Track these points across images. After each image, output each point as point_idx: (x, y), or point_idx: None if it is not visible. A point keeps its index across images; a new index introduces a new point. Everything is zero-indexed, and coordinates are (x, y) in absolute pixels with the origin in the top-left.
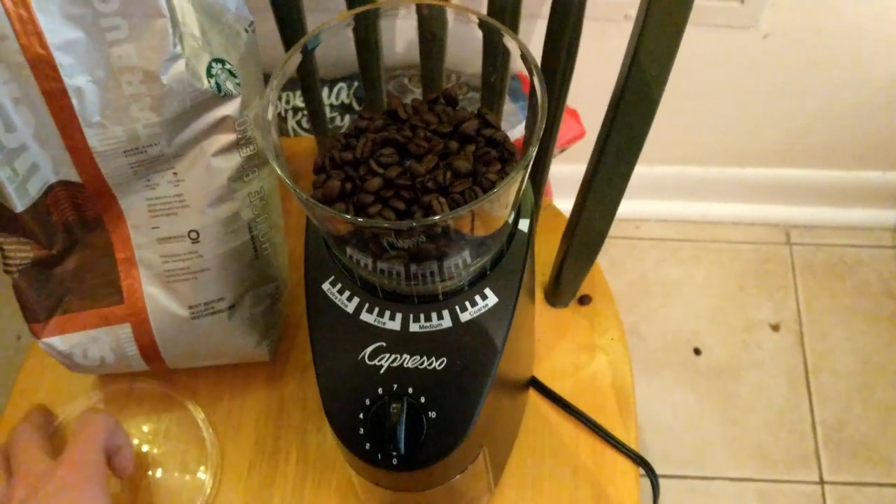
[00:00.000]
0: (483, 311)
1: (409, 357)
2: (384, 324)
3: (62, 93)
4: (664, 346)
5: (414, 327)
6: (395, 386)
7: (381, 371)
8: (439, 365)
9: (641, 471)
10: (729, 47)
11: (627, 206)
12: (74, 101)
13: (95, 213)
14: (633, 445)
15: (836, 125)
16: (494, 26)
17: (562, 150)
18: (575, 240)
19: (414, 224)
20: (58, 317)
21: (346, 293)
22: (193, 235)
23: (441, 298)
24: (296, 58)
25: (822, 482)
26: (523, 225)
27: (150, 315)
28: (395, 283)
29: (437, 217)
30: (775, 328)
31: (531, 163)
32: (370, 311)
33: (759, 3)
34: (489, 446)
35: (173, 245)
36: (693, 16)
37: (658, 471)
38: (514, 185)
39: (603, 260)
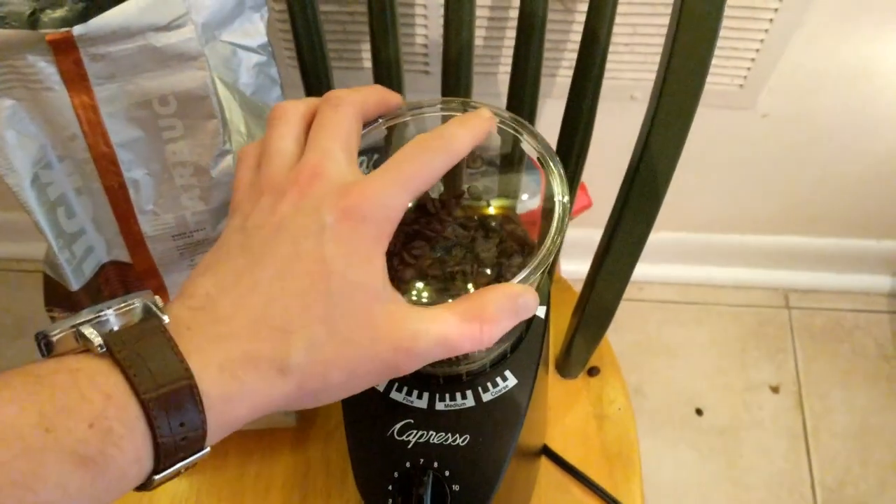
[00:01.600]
0: (503, 391)
1: (434, 433)
2: (412, 402)
3: (121, 185)
4: (667, 406)
5: (439, 406)
6: (422, 460)
7: (409, 446)
8: (462, 441)
9: None
10: (729, 125)
11: None
12: (131, 192)
13: (142, 289)
14: None
15: (832, 196)
16: (515, 127)
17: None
18: (585, 315)
19: None
20: None
21: None
22: None
23: (464, 379)
24: None
25: None
26: (540, 311)
27: None
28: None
29: None
30: (775, 390)
31: (549, 265)
32: (399, 389)
33: (757, 88)
34: (513, 495)
35: None
36: None
37: None
38: (533, 283)
39: None
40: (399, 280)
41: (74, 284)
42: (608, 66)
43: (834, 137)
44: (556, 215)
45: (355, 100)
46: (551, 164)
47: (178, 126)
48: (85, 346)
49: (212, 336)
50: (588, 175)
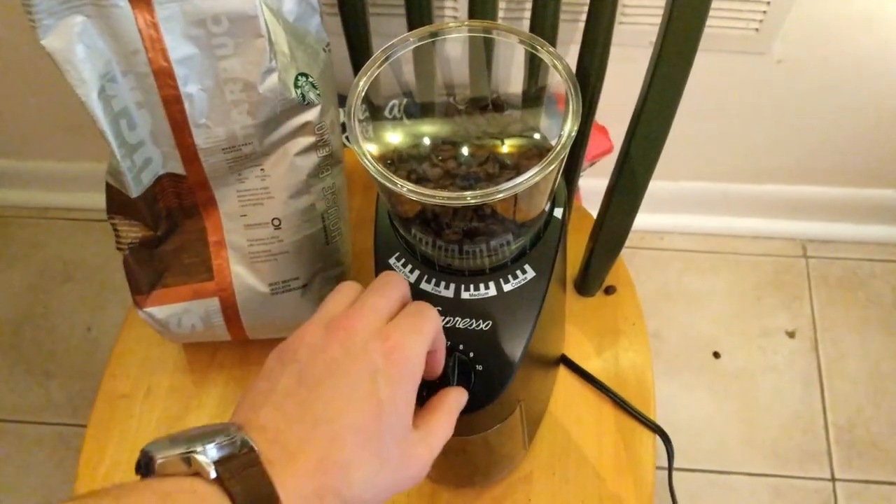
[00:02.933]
0: (523, 283)
1: (460, 320)
2: (440, 292)
3: (177, 99)
4: (685, 350)
5: (465, 295)
6: (449, 343)
7: None
8: (486, 327)
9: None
10: (746, 72)
11: (652, 219)
12: (186, 106)
13: (193, 202)
14: (651, 416)
15: (848, 145)
16: (532, 43)
17: (591, 164)
18: (601, 235)
19: (465, 201)
20: (158, 290)
21: (409, 266)
22: (276, 223)
23: (488, 272)
24: (379, 65)
25: (833, 479)
26: (557, 213)
27: (235, 291)
28: (451, 258)
29: (480, 193)
30: (791, 335)
31: (566, 154)
32: (429, 281)
33: (772, 32)
34: (525, 403)
35: (258, 231)
36: (713, 43)
37: (679, 464)
38: (550, 173)
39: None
40: (427, 180)
41: (134, 192)
42: (627, 11)
43: (850, 83)
44: (570, 109)
45: (433, 326)
46: (564, 72)
47: (229, 44)
48: (194, 471)
49: (290, 471)
50: (610, 120)
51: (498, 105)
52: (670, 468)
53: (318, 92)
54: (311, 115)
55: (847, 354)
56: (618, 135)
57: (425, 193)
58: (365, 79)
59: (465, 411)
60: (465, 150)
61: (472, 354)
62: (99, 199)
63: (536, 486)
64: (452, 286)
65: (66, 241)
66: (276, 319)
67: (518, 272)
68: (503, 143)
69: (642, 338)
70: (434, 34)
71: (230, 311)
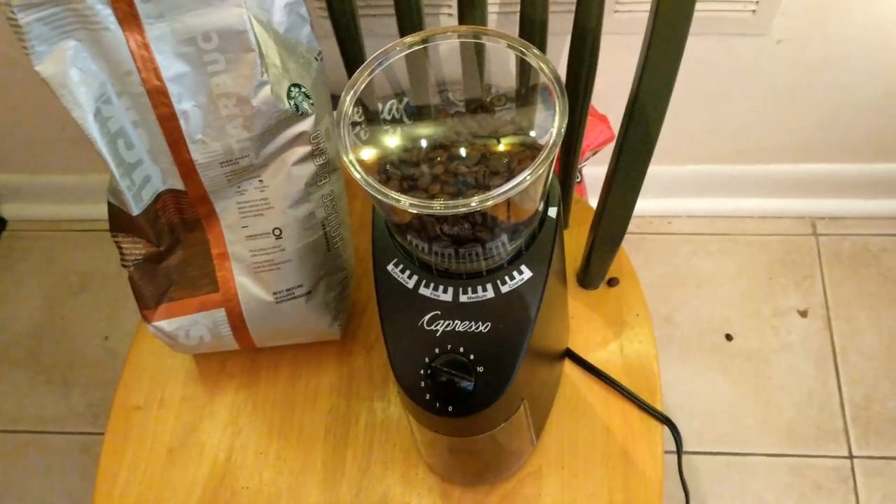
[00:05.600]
0: (520, 283)
1: (459, 322)
2: (438, 296)
3: (172, 116)
4: (697, 333)
5: (463, 298)
6: (449, 346)
7: (437, 335)
8: (485, 328)
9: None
10: (747, 53)
11: (660, 204)
12: (182, 123)
13: (195, 216)
14: (657, 405)
15: (853, 121)
16: (519, 47)
17: (594, 153)
18: (601, 226)
19: (454, 210)
20: (165, 304)
21: (407, 272)
22: (277, 232)
23: (485, 274)
24: (366, 77)
25: (850, 457)
26: (552, 212)
27: (241, 301)
28: (447, 262)
29: (473, 201)
30: (803, 314)
31: (553, 158)
32: (427, 286)
33: (770, 12)
34: (529, 401)
35: (260, 241)
36: (711, 26)
37: (695, 447)
38: (541, 174)
39: (638, 254)
40: (418, 189)
41: (135, 210)
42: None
43: (850, 61)
44: (556, 109)
45: None
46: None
47: (220, 60)
48: None
49: None
50: (609, 109)
51: (487, 107)
52: (679, 456)
53: (311, 101)
54: (305, 125)
55: (861, 331)
56: (619, 123)
57: (416, 203)
58: (352, 93)
59: (471, 412)
60: (456, 154)
61: (472, 356)
62: None
63: (546, 481)
64: (451, 290)
65: (79, 252)
66: (282, 327)
67: (515, 273)
68: (495, 145)
69: (647, 328)
70: (424, 41)
71: (237, 321)
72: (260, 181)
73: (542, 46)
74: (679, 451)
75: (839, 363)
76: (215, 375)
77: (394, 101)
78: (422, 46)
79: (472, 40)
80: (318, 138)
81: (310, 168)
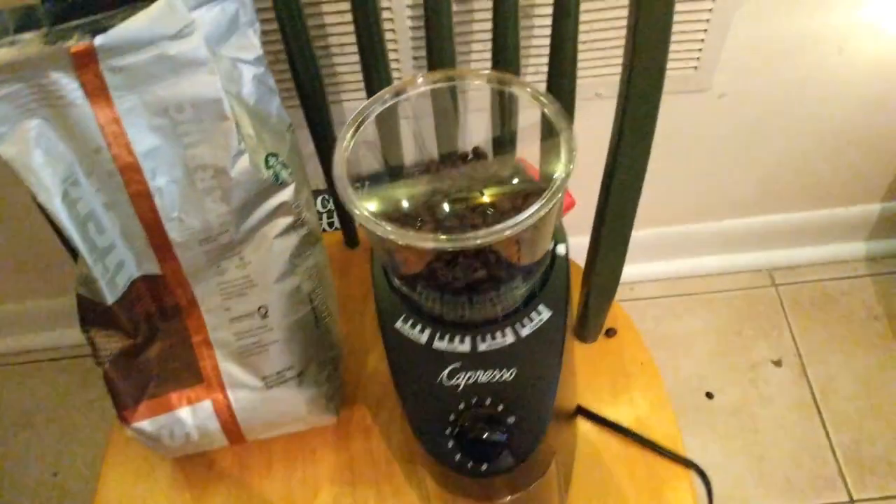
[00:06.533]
0: (540, 323)
1: (482, 373)
2: (455, 348)
3: (147, 193)
4: (677, 395)
5: (482, 347)
6: (475, 399)
7: (459, 389)
8: (510, 376)
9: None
10: (691, 110)
11: None
12: (157, 200)
13: (173, 303)
14: (680, 452)
15: (797, 169)
16: (510, 91)
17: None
18: (594, 277)
19: (475, 242)
20: (145, 402)
21: (418, 326)
22: (263, 311)
23: (500, 319)
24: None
25: (851, 501)
26: (561, 249)
27: (228, 390)
28: (461, 310)
29: (487, 232)
30: (777, 364)
31: (564, 190)
32: (441, 338)
33: (710, 67)
34: (558, 456)
35: (245, 322)
36: None
37: None
38: (553, 207)
39: None
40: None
41: (109, 298)
42: None
43: (790, 109)
44: (563, 140)
45: None
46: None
47: (194, 131)
48: None
49: None
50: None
51: (480, 153)
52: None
53: (289, 171)
54: (286, 194)
55: (836, 374)
56: (576, 188)
57: (439, 239)
58: (345, 144)
59: (506, 468)
60: (460, 204)
61: (500, 407)
62: (50, 338)
63: None
64: (468, 339)
65: (18, 387)
66: (273, 415)
67: (532, 314)
68: (497, 188)
69: (654, 376)
70: (397, 93)
71: (225, 414)
72: (241, 259)
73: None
74: (710, 496)
75: (822, 409)
76: (202, 479)
77: (377, 167)
78: (395, 101)
79: (496, 85)
80: (300, 208)
81: (293, 240)
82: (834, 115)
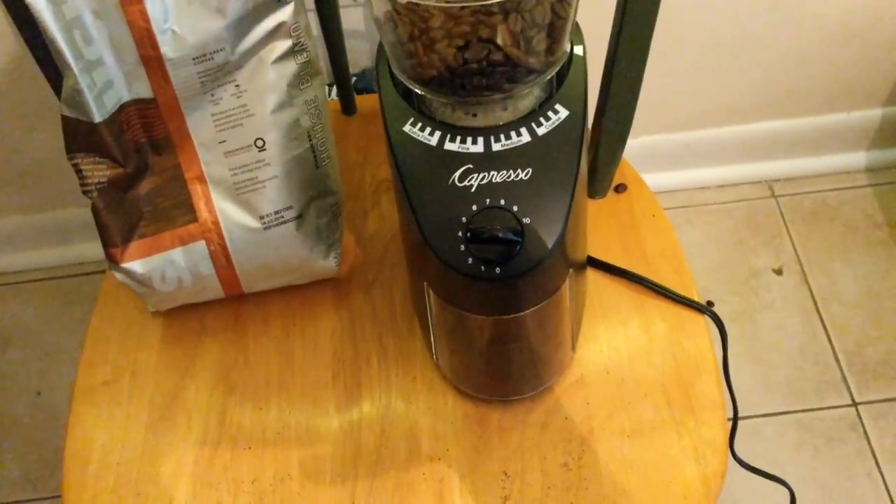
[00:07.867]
0: (557, 123)
1: (496, 173)
2: (468, 149)
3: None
4: None
5: (496, 147)
6: (488, 200)
7: (472, 189)
8: (525, 175)
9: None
10: (689, 9)
11: None
12: (148, 7)
13: (165, 134)
14: (693, 297)
15: (797, 71)
16: None
17: None
18: (605, 122)
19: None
20: (135, 241)
21: (427, 129)
22: (260, 143)
23: (516, 120)
24: None
25: (854, 404)
26: (578, 50)
27: (223, 230)
28: (473, 111)
29: None
30: (778, 272)
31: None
32: (452, 140)
33: None
34: (571, 278)
35: (241, 156)
36: None
37: None
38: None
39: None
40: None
41: (97, 115)
42: None
43: (787, 4)
44: None
45: None
46: None
47: None
48: None
49: None
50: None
51: None
52: (725, 352)
53: None
54: (284, 14)
55: (837, 281)
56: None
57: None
58: None
59: (522, 272)
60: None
61: (515, 208)
62: (31, 258)
63: (592, 389)
64: (481, 140)
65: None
66: (272, 261)
67: (550, 113)
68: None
69: (665, 226)
70: None
71: (220, 256)
72: (236, 86)
73: None
74: (724, 346)
75: (823, 315)
76: (195, 335)
77: None
78: None
79: None
80: (299, 32)
81: (291, 67)
82: (833, 12)
